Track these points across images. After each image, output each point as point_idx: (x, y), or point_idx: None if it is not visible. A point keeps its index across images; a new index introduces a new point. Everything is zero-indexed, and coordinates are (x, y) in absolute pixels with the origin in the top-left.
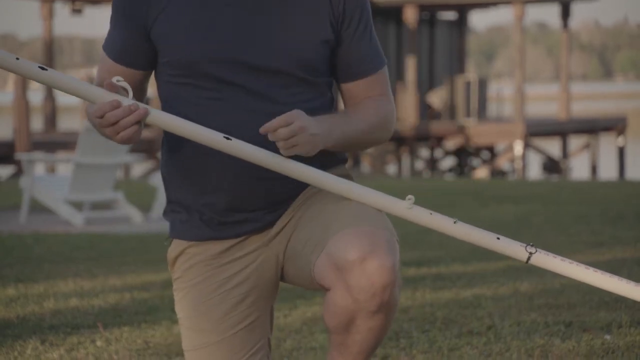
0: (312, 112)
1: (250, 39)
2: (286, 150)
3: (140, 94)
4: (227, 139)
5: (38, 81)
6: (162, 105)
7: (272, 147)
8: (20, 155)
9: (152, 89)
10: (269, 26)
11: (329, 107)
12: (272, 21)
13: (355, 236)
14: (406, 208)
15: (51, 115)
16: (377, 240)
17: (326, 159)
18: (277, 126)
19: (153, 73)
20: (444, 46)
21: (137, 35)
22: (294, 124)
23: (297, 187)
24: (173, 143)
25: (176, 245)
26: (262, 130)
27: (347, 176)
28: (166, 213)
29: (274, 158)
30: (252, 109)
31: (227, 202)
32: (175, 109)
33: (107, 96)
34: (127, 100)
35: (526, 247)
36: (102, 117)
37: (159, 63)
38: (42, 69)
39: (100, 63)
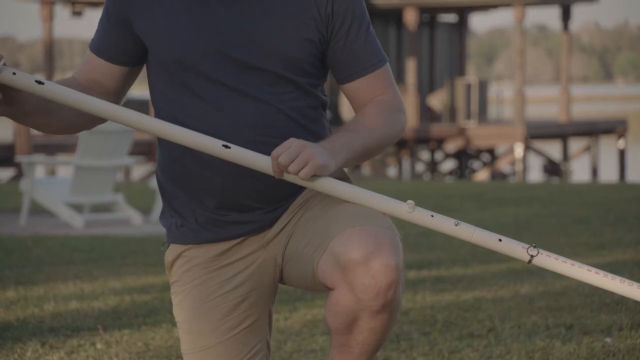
0: (296, 110)
1: (234, 35)
2: (301, 171)
3: (119, 93)
4: (226, 147)
5: (36, 94)
6: (154, 110)
7: (268, 149)
8: (20, 158)
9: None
10: (251, 23)
11: (317, 108)
12: (254, 18)
13: (359, 235)
14: (407, 212)
15: None
16: (381, 239)
17: None
18: (277, 156)
19: (147, 81)
20: (444, 48)
21: (119, 29)
22: (292, 146)
23: (293, 185)
24: (164, 145)
25: (173, 249)
26: (276, 175)
27: (345, 177)
28: (162, 218)
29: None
30: (236, 108)
31: (221, 200)
32: (165, 112)
33: (106, 106)
34: None
35: (528, 248)
36: None
37: (147, 63)
38: (39, 82)
39: (85, 58)
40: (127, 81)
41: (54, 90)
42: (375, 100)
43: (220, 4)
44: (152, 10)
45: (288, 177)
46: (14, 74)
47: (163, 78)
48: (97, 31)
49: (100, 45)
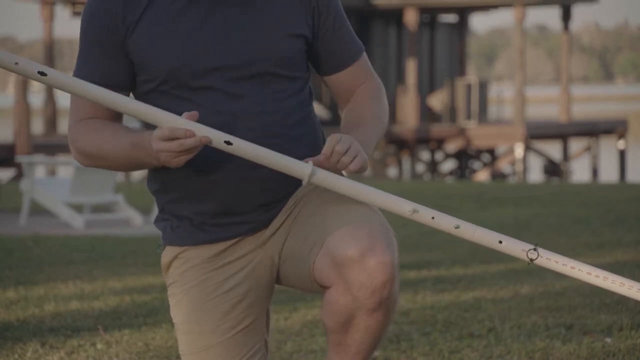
0: (292, 109)
1: (224, 43)
2: (353, 162)
3: (121, 117)
4: (228, 143)
5: (41, 82)
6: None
7: (267, 146)
8: (20, 158)
9: None
10: (242, 29)
11: (309, 102)
12: (244, 23)
13: (354, 233)
14: (409, 212)
15: (52, 118)
16: (376, 237)
17: (315, 154)
18: (330, 148)
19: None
20: (445, 49)
21: (115, 56)
22: (342, 138)
23: (289, 186)
24: None
25: (169, 251)
26: (322, 157)
27: (339, 173)
28: (157, 221)
29: (275, 156)
30: (233, 112)
31: (218, 208)
32: None
33: (113, 96)
34: (191, 124)
35: (528, 251)
36: (171, 140)
37: (137, 80)
38: (42, 74)
39: (76, 98)
40: None
41: (58, 78)
42: (365, 89)
43: (207, 13)
44: (140, 28)
45: (318, 179)
46: (16, 64)
47: (156, 91)
48: (88, 65)
49: (97, 76)
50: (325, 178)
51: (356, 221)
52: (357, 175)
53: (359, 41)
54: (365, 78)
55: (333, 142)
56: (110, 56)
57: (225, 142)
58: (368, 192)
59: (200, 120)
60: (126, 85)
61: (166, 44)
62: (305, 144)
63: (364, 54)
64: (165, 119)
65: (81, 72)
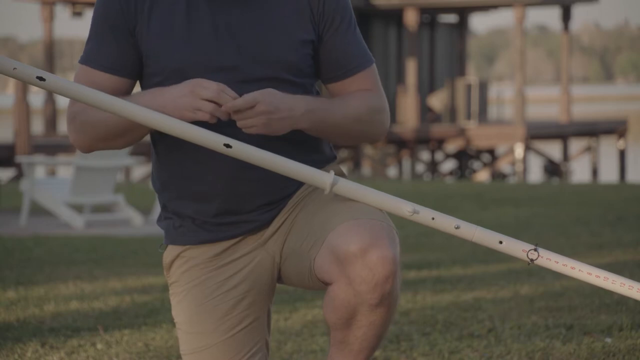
0: None
1: (230, 47)
2: (246, 128)
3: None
4: (227, 146)
5: (39, 87)
6: None
7: (267, 149)
8: (20, 158)
9: None
10: (247, 31)
11: None
12: (250, 26)
13: (356, 229)
14: (409, 213)
15: (52, 118)
16: (378, 232)
17: (316, 157)
18: (237, 107)
19: (138, 84)
20: (445, 49)
21: (125, 43)
22: (255, 108)
23: (290, 186)
24: (162, 153)
25: (171, 250)
26: (226, 107)
27: (340, 174)
28: (160, 220)
29: (275, 159)
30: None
31: (220, 207)
32: None
33: (107, 99)
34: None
35: (528, 252)
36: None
37: (144, 72)
38: (41, 79)
39: (80, 77)
40: (129, 94)
41: (57, 83)
42: (361, 91)
43: (213, 14)
44: (148, 23)
45: (339, 188)
46: (14, 69)
47: (162, 85)
48: (98, 49)
49: (106, 61)
50: (347, 186)
51: (357, 217)
52: (355, 174)
53: (367, 53)
54: (365, 89)
55: (240, 105)
56: (121, 42)
57: (225, 144)
58: (365, 193)
59: (205, 123)
60: (134, 73)
61: (170, 43)
62: (307, 147)
63: (371, 67)
64: (167, 123)
65: (91, 56)
